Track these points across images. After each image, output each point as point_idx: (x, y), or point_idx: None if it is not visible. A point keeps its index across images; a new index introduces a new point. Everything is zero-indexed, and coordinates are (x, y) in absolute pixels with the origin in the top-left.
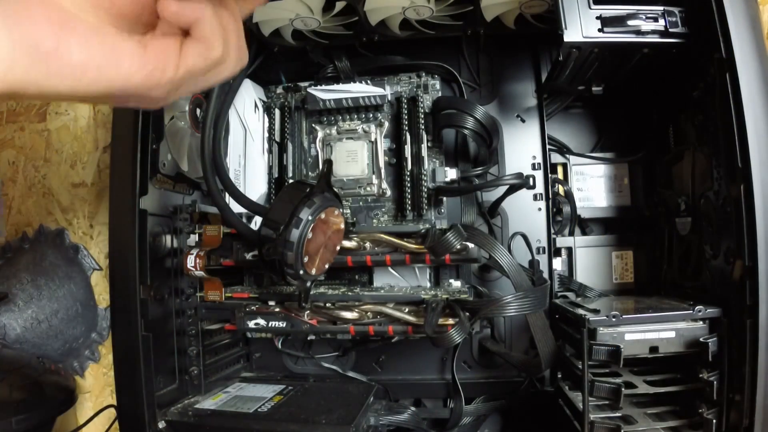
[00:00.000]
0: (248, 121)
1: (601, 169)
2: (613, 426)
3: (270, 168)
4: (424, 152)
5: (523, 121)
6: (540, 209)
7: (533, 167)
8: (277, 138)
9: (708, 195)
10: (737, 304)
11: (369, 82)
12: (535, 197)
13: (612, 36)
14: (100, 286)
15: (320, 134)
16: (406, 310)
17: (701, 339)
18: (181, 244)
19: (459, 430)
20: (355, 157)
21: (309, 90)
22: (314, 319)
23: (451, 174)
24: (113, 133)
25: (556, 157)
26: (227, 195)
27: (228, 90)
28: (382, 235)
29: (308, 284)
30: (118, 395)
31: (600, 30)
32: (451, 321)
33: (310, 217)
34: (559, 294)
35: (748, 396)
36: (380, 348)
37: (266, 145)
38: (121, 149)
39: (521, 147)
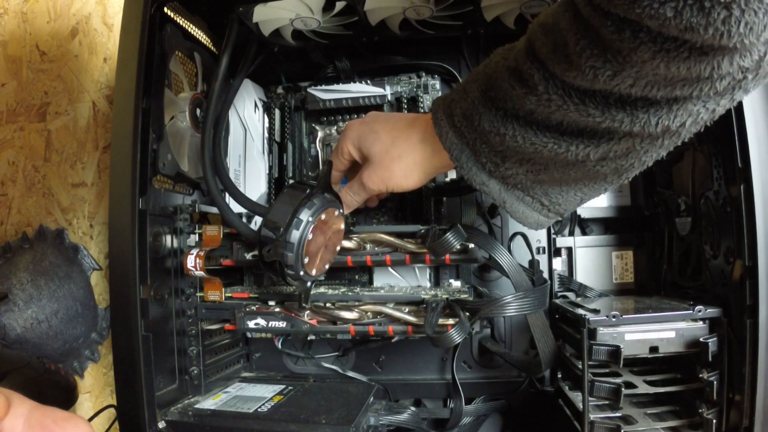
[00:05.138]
0: (248, 121)
1: None
2: (613, 426)
3: (270, 168)
4: None
5: None
6: None
7: None
8: (277, 138)
9: (708, 195)
10: (737, 304)
11: (369, 82)
12: None
13: None
14: (100, 286)
15: (320, 134)
16: (406, 310)
17: (701, 339)
18: (181, 244)
19: (459, 430)
20: None
21: (309, 90)
22: (314, 319)
23: (451, 174)
24: (113, 133)
25: None
26: (227, 195)
27: (228, 90)
28: (382, 235)
29: (308, 284)
30: (118, 395)
31: None
32: (451, 321)
33: (310, 218)
34: (559, 294)
35: (748, 396)
36: (380, 348)
37: (266, 145)
38: (121, 149)
39: None
